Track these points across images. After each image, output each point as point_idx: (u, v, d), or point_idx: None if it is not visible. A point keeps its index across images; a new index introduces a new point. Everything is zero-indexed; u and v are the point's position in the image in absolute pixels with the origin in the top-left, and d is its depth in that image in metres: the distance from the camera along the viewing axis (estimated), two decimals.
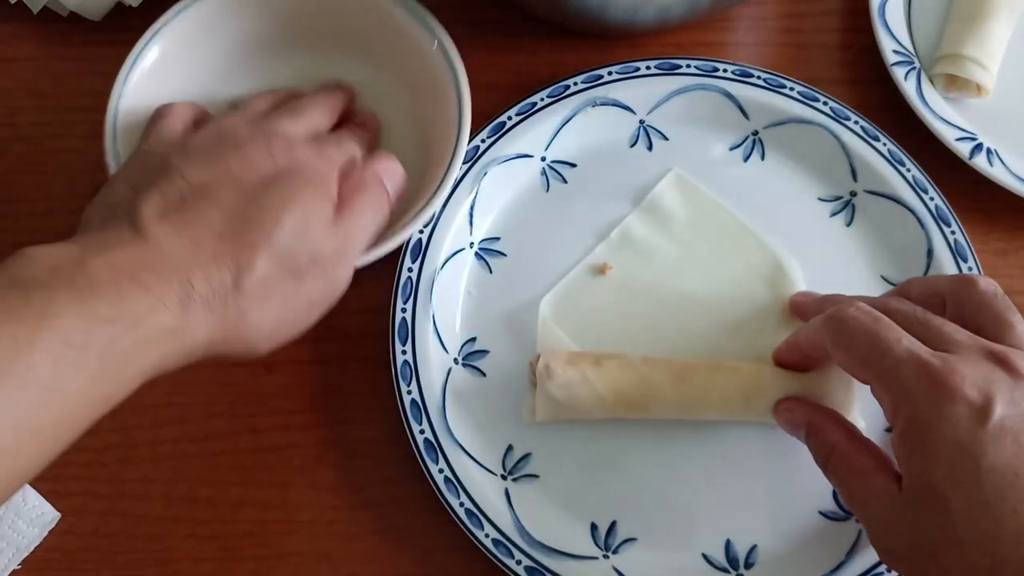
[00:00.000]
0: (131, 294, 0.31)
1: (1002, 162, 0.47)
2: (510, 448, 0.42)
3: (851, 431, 0.37)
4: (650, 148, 0.48)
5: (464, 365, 0.44)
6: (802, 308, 0.43)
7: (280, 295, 0.35)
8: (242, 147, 0.37)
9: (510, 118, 0.47)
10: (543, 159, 0.48)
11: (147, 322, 0.31)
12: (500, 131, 0.47)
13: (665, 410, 0.41)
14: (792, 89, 0.48)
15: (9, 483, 0.29)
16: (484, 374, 0.44)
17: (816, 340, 0.37)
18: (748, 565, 0.41)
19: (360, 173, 0.40)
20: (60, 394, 0.29)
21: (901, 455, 0.33)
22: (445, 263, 0.45)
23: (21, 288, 0.29)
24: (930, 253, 0.45)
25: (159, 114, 0.42)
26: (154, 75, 0.45)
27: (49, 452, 0.30)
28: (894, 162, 0.47)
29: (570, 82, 0.48)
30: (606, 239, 0.46)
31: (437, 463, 0.41)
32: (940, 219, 0.46)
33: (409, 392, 0.42)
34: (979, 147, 0.47)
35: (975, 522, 0.30)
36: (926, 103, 0.48)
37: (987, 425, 0.31)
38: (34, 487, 0.42)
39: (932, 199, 0.46)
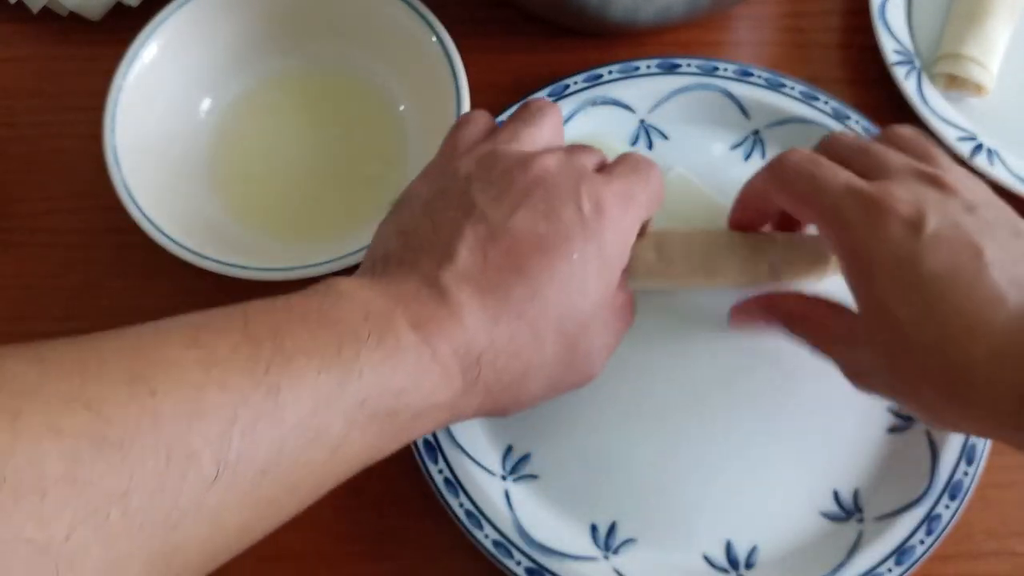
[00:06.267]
0: (427, 368, 0.30)
1: (1002, 162, 0.47)
2: (510, 448, 0.42)
3: (800, 295, 0.39)
4: (651, 147, 0.48)
5: None
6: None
7: (556, 383, 0.35)
8: (551, 197, 0.33)
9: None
10: None
11: (432, 399, 0.30)
12: None
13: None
14: (793, 88, 0.48)
15: (278, 522, 0.29)
16: None
17: (759, 188, 0.39)
18: (749, 565, 0.40)
19: None
20: (340, 456, 0.29)
21: (852, 284, 0.35)
22: None
23: (333, 330, 0.29)
24: None
25: (461, 122, 0.38)
26: (153, 71, 0.45)
27: (306, 504, 0.30)
28: None
29: (570, 81, 0.48)
30: None
31: (437, 464, 0.41)
32: None
33: None
34: (979, 147, 0.47)
35: (922, 328, 0.32)
36: (926, 103, 0.48)
37: (922, 236, 0.32)
38: None
39: None
